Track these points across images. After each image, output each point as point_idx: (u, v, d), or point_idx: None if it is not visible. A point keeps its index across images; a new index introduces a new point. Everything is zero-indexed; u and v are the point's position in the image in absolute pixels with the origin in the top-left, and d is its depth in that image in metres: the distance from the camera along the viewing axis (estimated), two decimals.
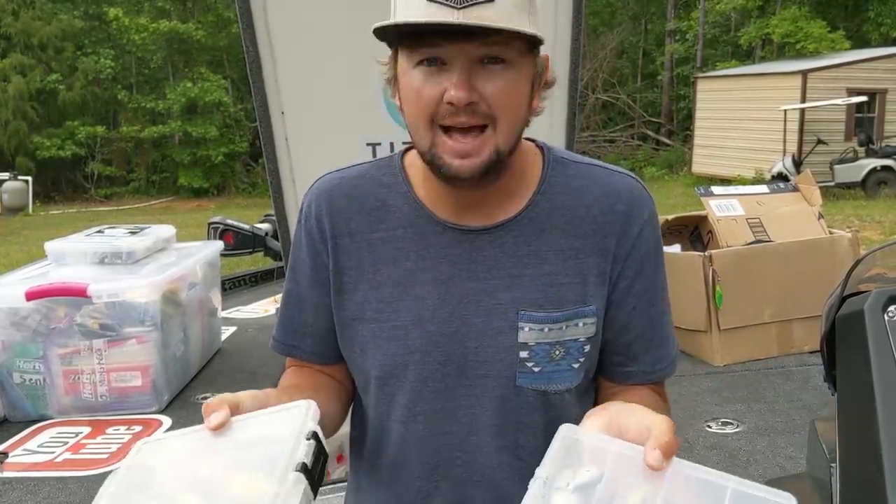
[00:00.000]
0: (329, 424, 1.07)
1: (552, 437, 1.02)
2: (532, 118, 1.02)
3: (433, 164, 0.97)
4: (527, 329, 1.02)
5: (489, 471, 1.06)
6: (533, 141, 1.10)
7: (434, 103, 0.93)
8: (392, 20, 0.93)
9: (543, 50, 1.00)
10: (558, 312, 1.02)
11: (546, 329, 1.02)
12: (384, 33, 0.93)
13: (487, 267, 1.03)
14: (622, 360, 1.09)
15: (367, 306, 1.05)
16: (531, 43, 0.94)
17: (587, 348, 1.05)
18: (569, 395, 1.06)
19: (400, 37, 0.95)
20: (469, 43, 0.91)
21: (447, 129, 0.95)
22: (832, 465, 0.91)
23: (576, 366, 1.05)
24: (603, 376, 1.12)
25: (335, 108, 2.19)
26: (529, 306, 1.02)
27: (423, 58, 0.93)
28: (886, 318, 0.87)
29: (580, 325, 1.03)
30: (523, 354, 1.02)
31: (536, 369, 1.03)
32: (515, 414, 1.05)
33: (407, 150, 1.11)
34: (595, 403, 1.16)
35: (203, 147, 21.18)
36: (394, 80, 1.01)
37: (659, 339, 1.10)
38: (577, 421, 0.91)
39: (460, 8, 0.88)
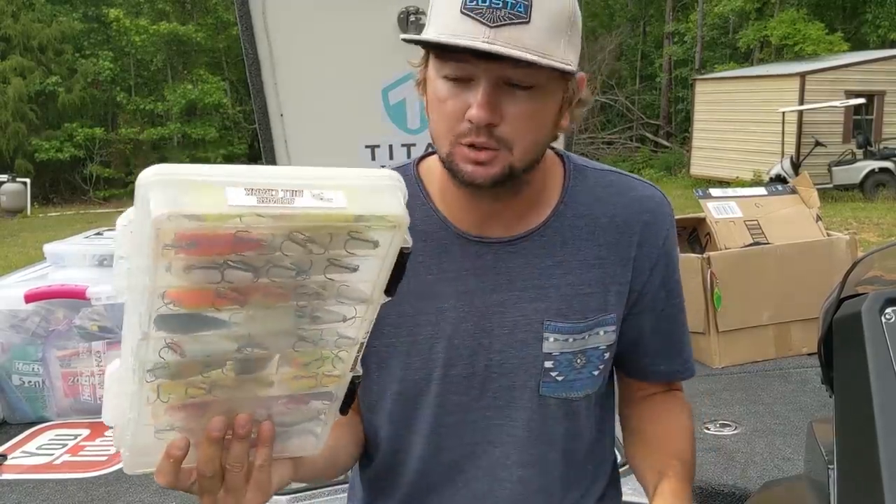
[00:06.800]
0: (343, 455, 1.06)
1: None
2: (559, 134, 1.01)
3: (451, 169, 0.96)
4: (551, 339, 1.02)
5: (510, 484, 1.06)
6: (552, 149, 1.07)
7: (456, 117, 0.92)
8: (421, 35, 0.91)
9: None
10: (582, 323, 1.02)
11: (571, 339, 1.02)
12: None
13: (511, 278, 1.02)
14: (653, 360, 1.12)
15: (385, 321, 1.00)
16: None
17: (606, 355, 1.06)
18: (588, 401, 1.07)
19: (430, 45, 0.94)
20: (497, 63, 0.88)
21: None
22: (830, 466, 0.91)
23: (595, 373, 1.06)
24: (634, 377, 1.15)
25: (334, 111, 2.19)
26: (554, 316, 1.02)
27: (450, 72, 0.92)
28: (884, 319, 0.87)
29: (601, 332, 1.04)
30: (548, 364, 1.02)
31: (560, 378, 1.03)
32: (539, 424, 1.04)
33: (421, 159, 1.10)
34: (621, 405, 1.19)
35: (202, 149, 21.20)
36: (423, 83, 1.00)
37: (685, 338, 1.16)
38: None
39: (493, 26, 0.86)
